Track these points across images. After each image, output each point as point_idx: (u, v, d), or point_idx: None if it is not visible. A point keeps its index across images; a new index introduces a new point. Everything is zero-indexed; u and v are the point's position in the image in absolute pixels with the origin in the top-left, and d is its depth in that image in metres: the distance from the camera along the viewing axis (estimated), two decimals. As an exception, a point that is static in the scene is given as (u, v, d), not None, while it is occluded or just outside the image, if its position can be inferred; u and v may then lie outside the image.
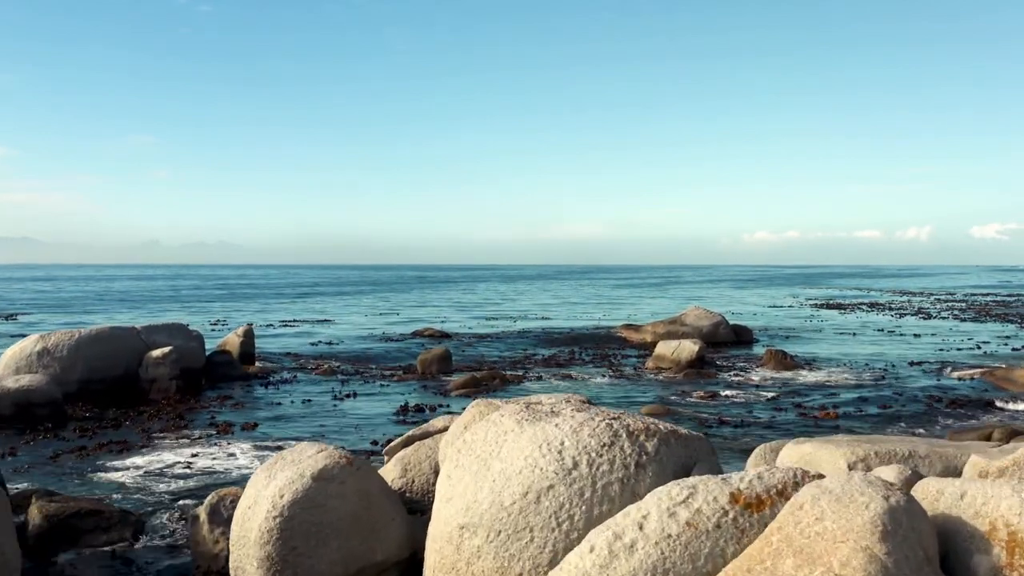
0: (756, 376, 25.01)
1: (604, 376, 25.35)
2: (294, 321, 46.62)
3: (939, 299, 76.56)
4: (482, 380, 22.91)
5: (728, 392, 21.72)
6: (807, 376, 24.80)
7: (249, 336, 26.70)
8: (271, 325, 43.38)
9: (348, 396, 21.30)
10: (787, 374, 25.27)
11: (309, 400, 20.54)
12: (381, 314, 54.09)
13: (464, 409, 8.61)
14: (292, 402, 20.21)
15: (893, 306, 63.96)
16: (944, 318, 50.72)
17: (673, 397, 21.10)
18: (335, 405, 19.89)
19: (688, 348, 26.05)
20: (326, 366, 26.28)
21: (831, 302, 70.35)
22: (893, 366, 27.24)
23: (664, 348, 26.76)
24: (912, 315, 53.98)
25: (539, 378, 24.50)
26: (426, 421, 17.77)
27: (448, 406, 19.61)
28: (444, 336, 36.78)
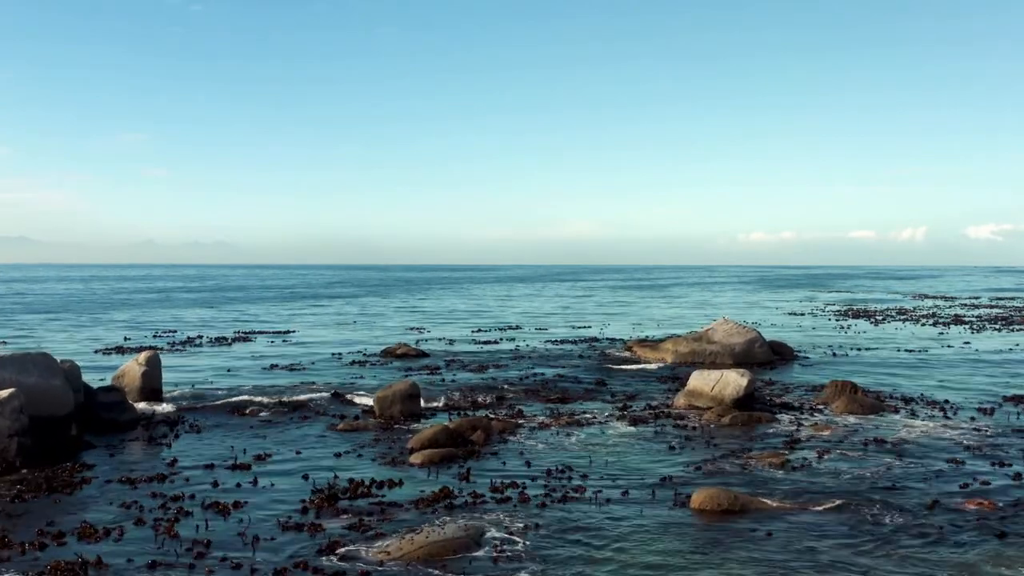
0: (826, 420, 18.67)
1: (621, 419, 19.02)
2: (252, 334, 40.16)
3: (965, 304, 70.48)
4: (457, 433, 16.51)
5: (805, 453, 15.36)
6: (899, 424, 18.43)
7: (154, 365, 20.27)
8: (223, 339, 36.93)
9: (258, 459, 14.89)
10: (868, 419, 18.92)
11: (191, 469, 14.11)
12: (355, 321, 47.65)
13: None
14: (164, 473, 13.76)
15: (924, 314, 57.72)
16: (997, 329, 44.49)
17: (728, 463, 14.73)
18: (221, 482, 13.39)
19: (734, 382, 19.69)
20: (252, 407, 19.79)
21: (855, 309, 64.10)
22: (993, 405, 20.97)
23: (700, 381, 20.40)
24: (952, 324, 47.80)
25: (538, 425, 18.11)
26: (348, 532, 10.22)
27: (399, 484, 13.19)
28: (421, 356, 30.38)
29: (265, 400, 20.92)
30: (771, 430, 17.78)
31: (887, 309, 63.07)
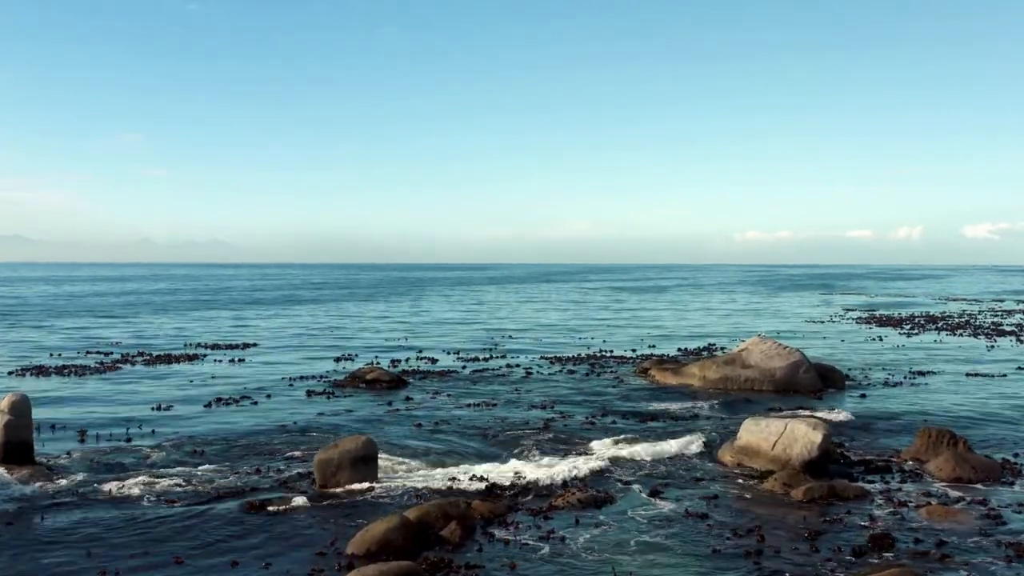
0: (934, 492, 13.60)
1: (644, 484, 13.97)
2: (206, 349, 34.96)
3: (995, 310, 65.56)
4: (423, 526, 11.39)
5: (946, 573, 10.22)
6: (1041, 502, 13.32)
7: (20, 413, 15.06)
8: (168, 357, 31.69)
9: (111, 589, 9.77)
10: (988, 491, 13.84)
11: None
12: (325, 333, 42.43)
13: None
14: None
15: (958, 322, 52.71)
16: (1052, 342, 39.50)
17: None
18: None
19: (803, 439, 14.58)
20: (151, 475, 14.59)
21: (877, 314, 59.08)
22: None
23: (756, 435, 15.28)
24: (995, 335, 42.86)
25: (539, 507, 12.96)
26: None
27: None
28: (396, 383, 25.14)
29: (175, 461, 15.83)
30: (864, 514, 12.67)
31: (913, 315, 58.09)
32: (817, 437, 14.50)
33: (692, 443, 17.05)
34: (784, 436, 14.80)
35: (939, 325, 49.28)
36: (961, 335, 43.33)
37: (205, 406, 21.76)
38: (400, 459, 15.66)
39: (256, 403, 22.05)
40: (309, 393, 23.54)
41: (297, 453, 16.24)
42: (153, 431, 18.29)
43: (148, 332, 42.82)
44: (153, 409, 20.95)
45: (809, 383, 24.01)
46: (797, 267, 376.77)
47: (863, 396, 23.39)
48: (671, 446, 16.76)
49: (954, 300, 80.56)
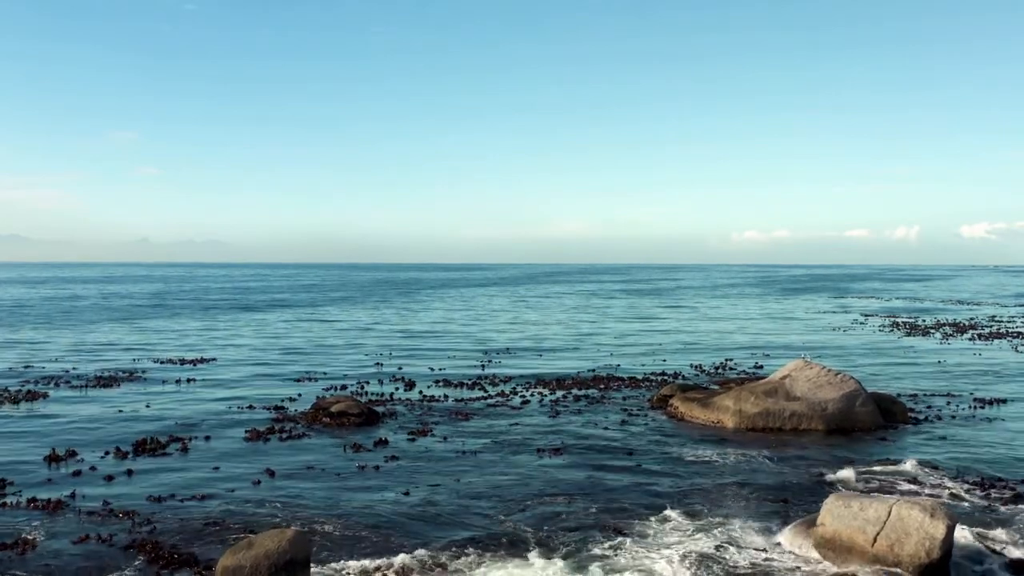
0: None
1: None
2: (154, 365, 30.53)
3: None
4: None
5: None
6: None
7: None
8: (102, 378, 27.22)
9: None
10: None
11: None
12: (296, 346, 37.89)
13: None
14: None
15: (993, 330, 48.51)
16: (1111, 357, 35.30)
17: None
18: None
19: (919, 531, 10.23)
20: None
21: (900, 321, 54.84)
22: None
23: (847, 524, 10.91)
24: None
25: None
26: None
27: None
28: (369, 418, 20.65)
29: (43, 565, 11.47)
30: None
31: (939, 322, 53.83)
32: (939, 530, 10.16)
33: (756, 525, 12.67)
34: (889, 526, 10.45)
35: (972, 334, 45.10)
36: (1000, 347, 39.18)
37: (119, 456, 16.98)
38: (356, 560, 11.23)
39: (187, 451, 17.53)
40: (257, 434, 18.94)
41: (209, 548, 11.80)
42: (32, 501, 13.77)
43: (100, 343, 38.30)
44: (46, 460, 16.45)
45: (868, 419, 19.68)
46: (796, 267, 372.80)
47: (943, 438, 18.97)
48: (732, 534, 12.40)
49: (975, 304, 76.36)
